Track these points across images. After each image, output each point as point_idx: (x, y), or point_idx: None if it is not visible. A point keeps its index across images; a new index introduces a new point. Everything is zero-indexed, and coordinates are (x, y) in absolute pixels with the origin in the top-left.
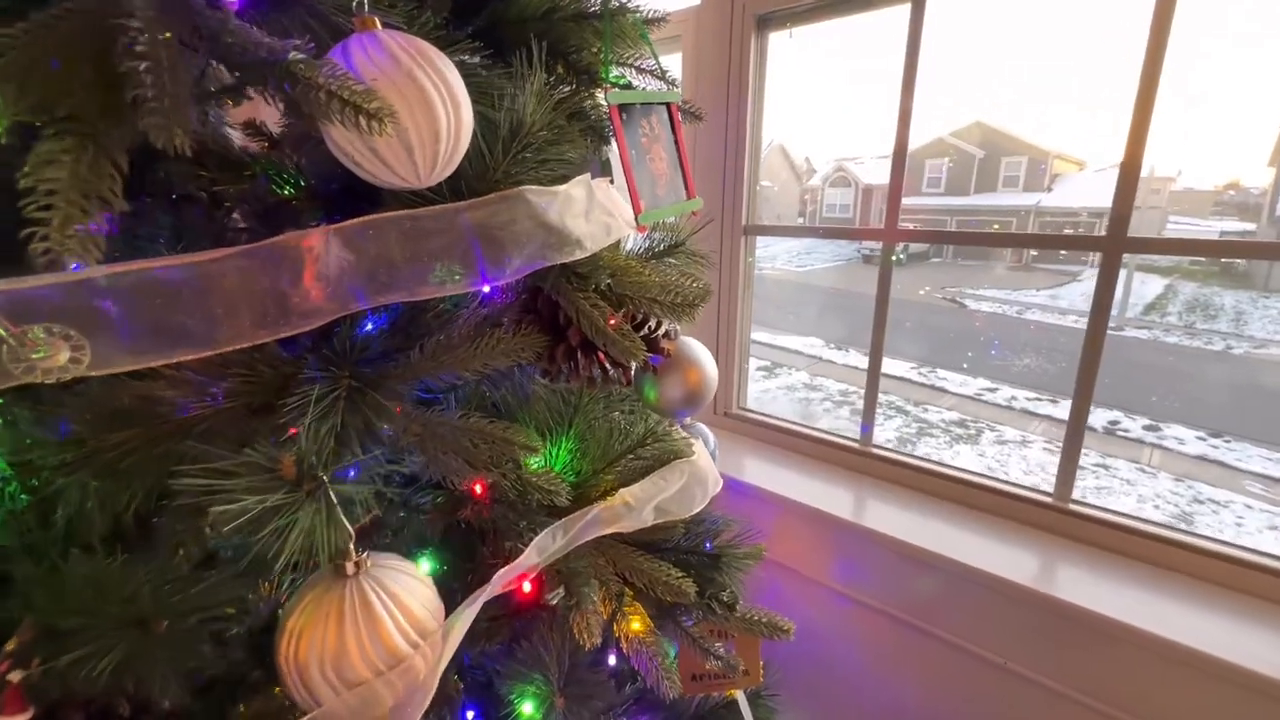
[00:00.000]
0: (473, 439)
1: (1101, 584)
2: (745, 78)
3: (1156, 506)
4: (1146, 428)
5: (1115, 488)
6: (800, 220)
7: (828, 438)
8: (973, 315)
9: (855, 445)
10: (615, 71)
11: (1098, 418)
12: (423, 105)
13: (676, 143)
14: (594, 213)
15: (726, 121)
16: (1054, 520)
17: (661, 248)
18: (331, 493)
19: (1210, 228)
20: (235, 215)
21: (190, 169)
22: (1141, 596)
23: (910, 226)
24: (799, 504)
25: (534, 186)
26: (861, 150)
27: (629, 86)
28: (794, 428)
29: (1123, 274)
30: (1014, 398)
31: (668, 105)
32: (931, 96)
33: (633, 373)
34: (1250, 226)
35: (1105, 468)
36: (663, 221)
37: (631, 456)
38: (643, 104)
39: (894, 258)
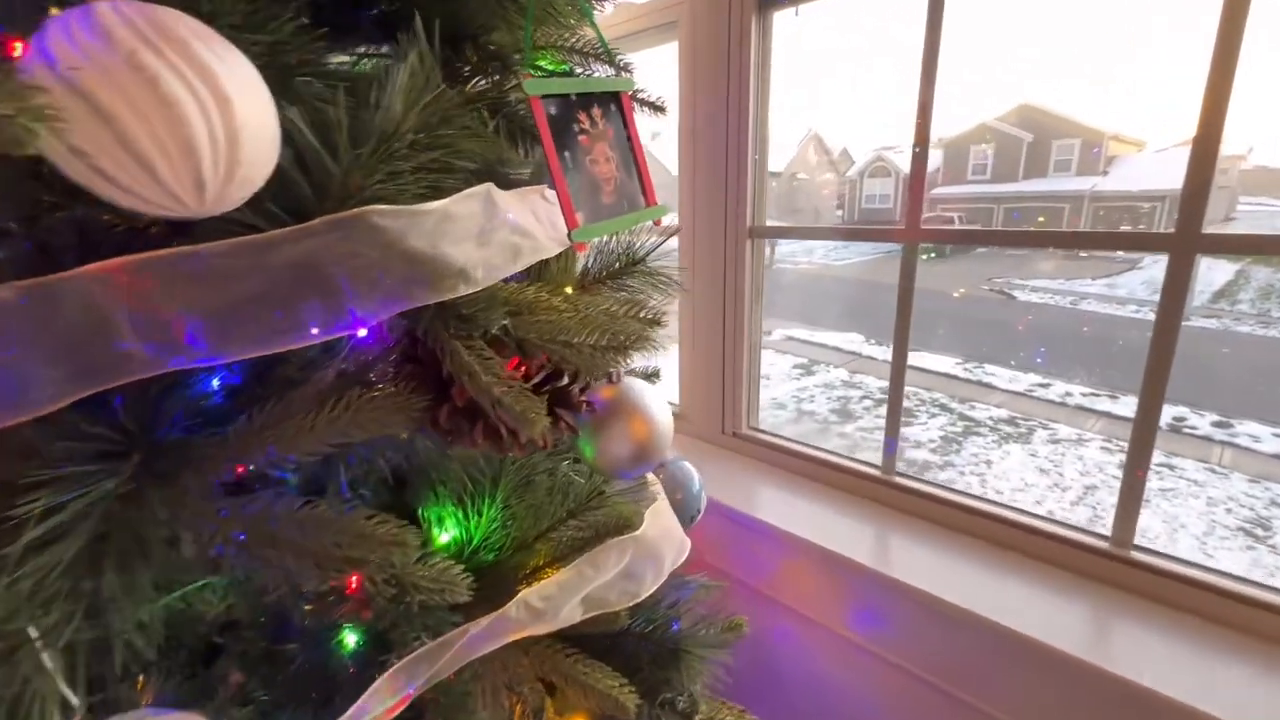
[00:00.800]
0: (326, 538)
1: (1169, 654)
2: (745, 62)
3: (1229, 510)
4: (1216, 424)
5: (1182, 489)
6: (839, 214)
7: (846, 464)
8: (1023, 307)
9: (877, 474)
10: (562, 59)
11: (1163, 414)
12: (155, 104)
13: (630, 140)
14: (495, 233)
15: (727, 112)
16: (1111, 570)
17: (618, 266)
18: (46, 656)
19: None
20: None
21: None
22: (1225, 675)
23: (954, 217)
24: (811, 544)
25: (383, 207)
26: (901, 139)
27: (571, 74)
28: (809, 452)
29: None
30: (1068, 393)
31: (617, 95)
32: (973, 79)
33: (573, 423)
34: None
35: (1170, 468)
36: (622, 234)
37: (574, 523)
38: (579, 94)
39: (927, 255)
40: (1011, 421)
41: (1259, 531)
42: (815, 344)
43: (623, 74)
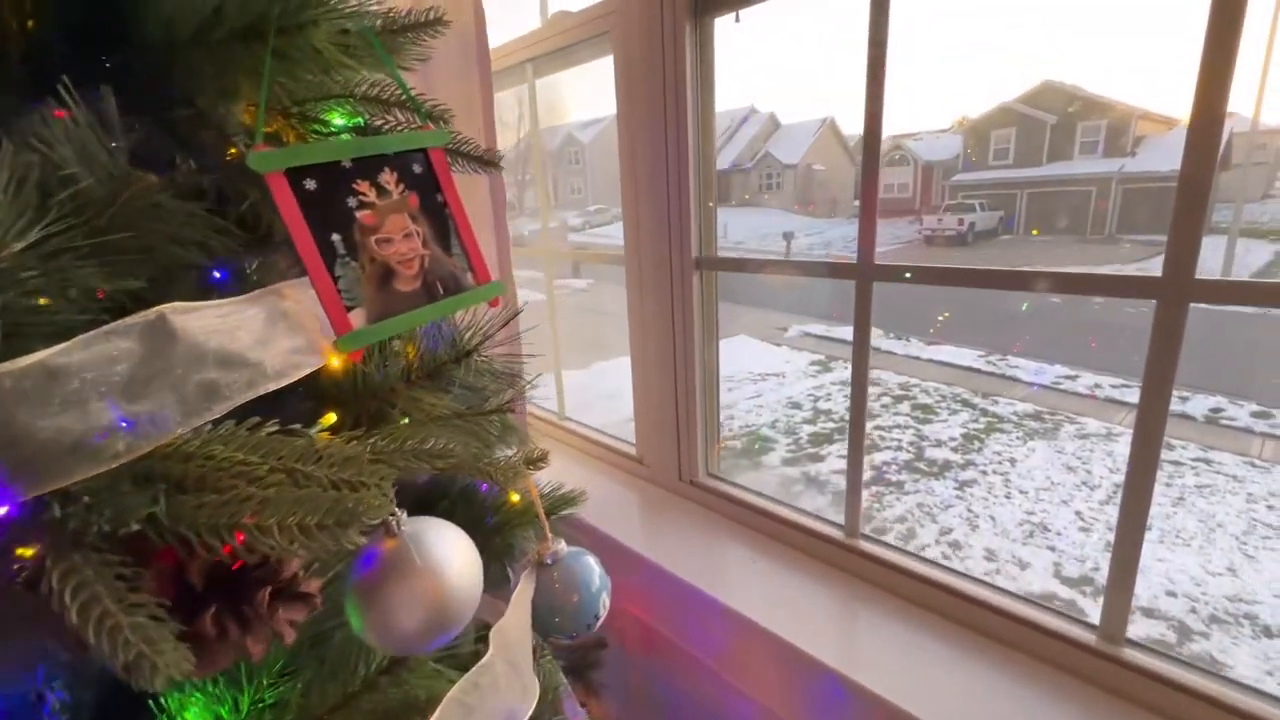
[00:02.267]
0: None
1: None
2: (682, 75)
3: (1270, 507)
4: (1255, 415)
5: (1219, 485)
6: (856, 204)
7: (807, 524)
8: (1048, 296)
9: (840, 537)
10: (357, 111)
11: (1197, 405)
12: None
13: (447, 206)
14: (163, 375)
15: (665, 132)
16: (1099, 671)
17: (444, 359)
18: None
19: None
20: None
21: None
22: None
23: (975, 205)
24: (763, 631)
25: None
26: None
27: (365, 130)
28: (769, 508)
29: (1224, 240)
30: (1097, 385)
31: (425, 153)
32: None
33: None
34: None
35: (1207, 462)
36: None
37: (371, 695)
38: (354, 160)
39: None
40: (1037, 416)
41: None
42: (833, 339)
43: (440, 125)
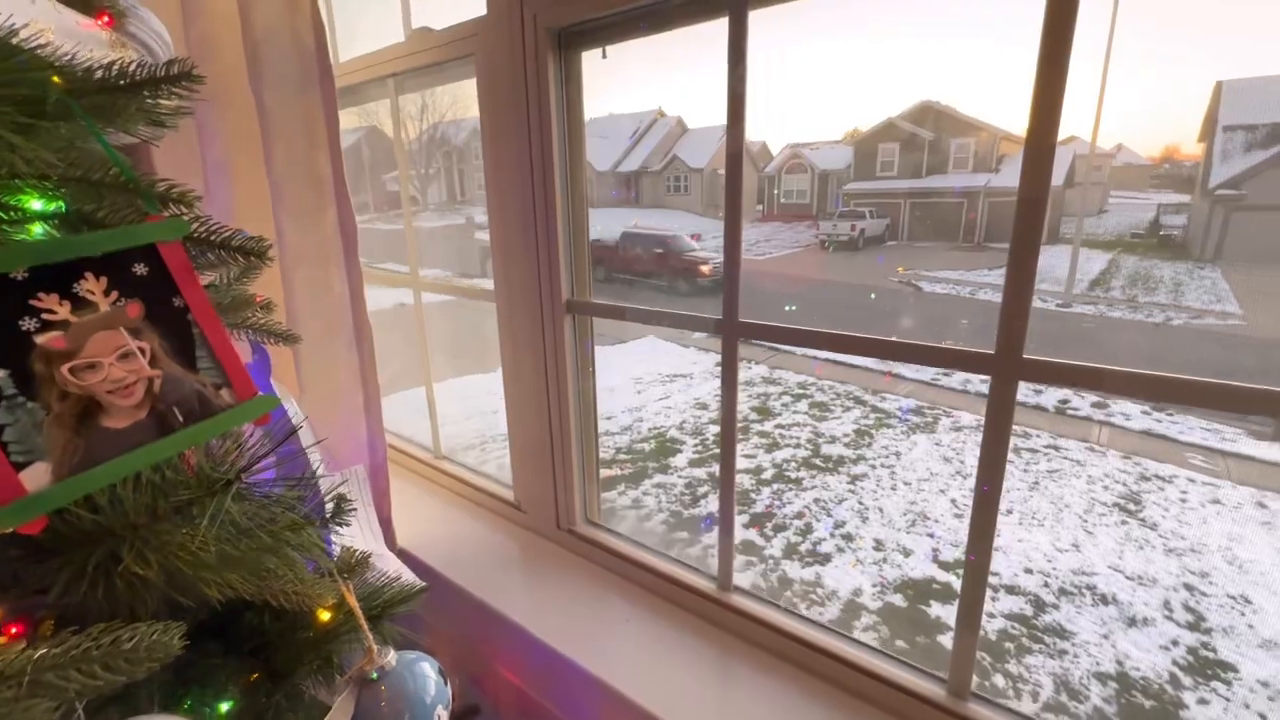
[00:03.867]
0: None
1: None
2: (547, 111)
3: (1106, 487)
4: (1095, 405)
5: (1066, 470)
6: (759, 208)
7: (682, 578)
8: (929, 298)
9: (712, 591)
10: (56, 193)
11: (1048, 397)
12: None
13: (189, 309)
14: None
15: (531, 169)
16: None
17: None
18: None
19: (1149, 200)
20: None
21: None
22: None
23: (865, 211)
24: (631, 703)
25: None
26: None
27: (68, 219)
28: (643, 559)
29: (1068, 250)
30: (968, 380)
31: (154, 249)
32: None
33: None
34: (1185, 199)
35: (1056, 449)
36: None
37: None
38: (31, 270)
39: (830, 247)
40: (918, 411)
41: (1131, 506)
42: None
43: (175, 214)
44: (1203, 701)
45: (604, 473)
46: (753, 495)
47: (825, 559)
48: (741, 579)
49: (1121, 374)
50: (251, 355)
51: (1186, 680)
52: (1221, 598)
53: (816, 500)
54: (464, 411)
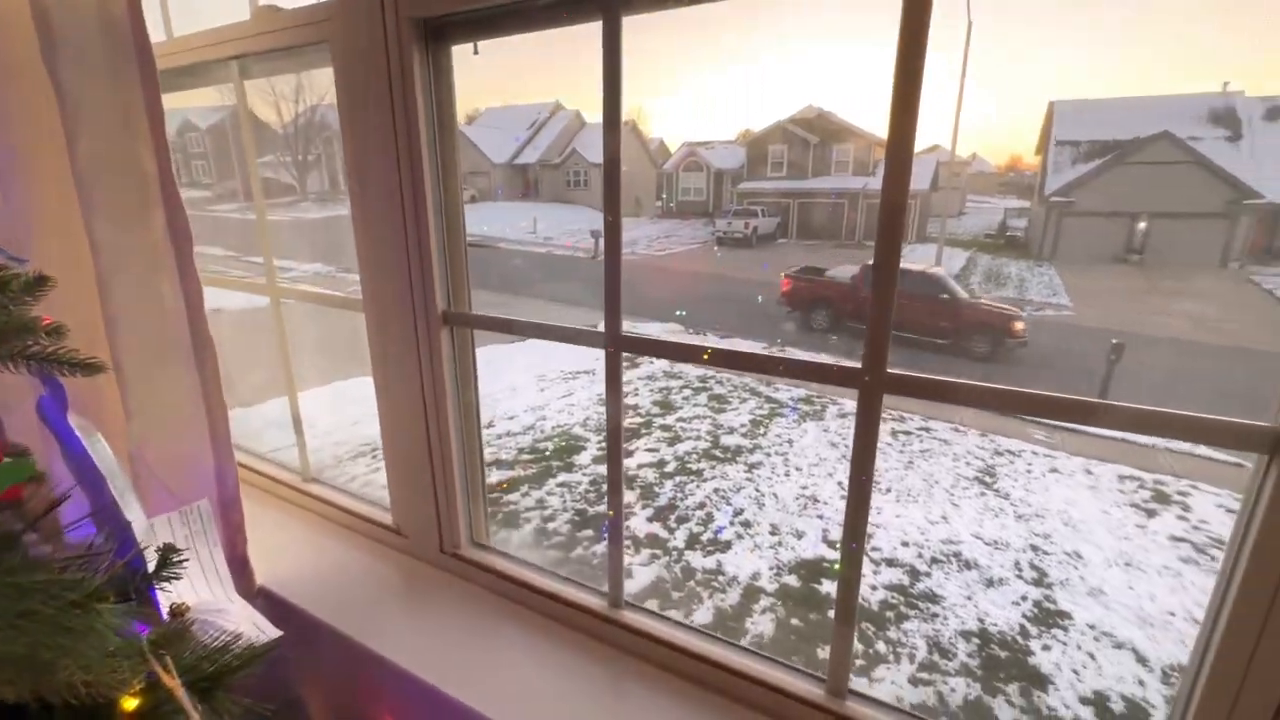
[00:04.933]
0: None
1: None
2: (413, 108)
3: (968, 463)
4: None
5: (935, 449)
6: (658, 204)
7: (572, 597)
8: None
9: (603, 610)
10: None
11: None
12: None
13: None
14: None
15: (399, 167)
16: None
17: None
18: None
19: (997, 205)
20: None
21: None
22: None
23: (757, 210)
24: None
25: None
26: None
27: None
28: (532, 580)
29: (934, 248)
30: None
31: None
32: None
33: None
34: (1026, 204)
35: (927, 430)
36: None
37: None
38: None
39: (723, 248)
40: (808, 400)
41: (987, 479)
42: (634, 335)
43: None
44: (1046, 648)
45: (507, 475)
46: (656, 489)
47: (726, 546)
48: (647, 573)
49: (973, 388)
50: (43, 389)
51: (1033, 630)
52: (1059, 555)
53: (717, 490)
54: (354, 416)
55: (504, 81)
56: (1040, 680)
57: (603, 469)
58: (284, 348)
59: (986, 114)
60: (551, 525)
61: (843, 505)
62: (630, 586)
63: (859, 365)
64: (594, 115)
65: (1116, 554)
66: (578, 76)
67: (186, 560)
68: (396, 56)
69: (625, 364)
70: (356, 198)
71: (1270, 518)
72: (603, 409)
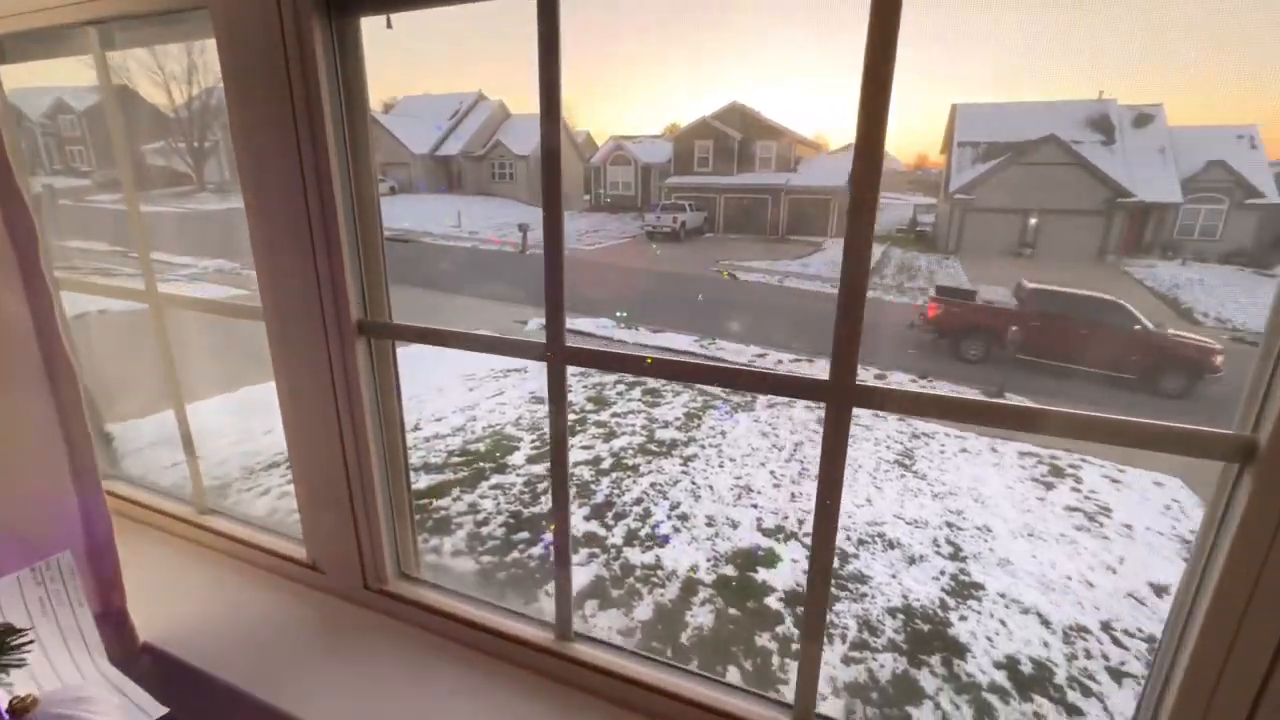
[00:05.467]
0: None
1: None
2: (316, 83)
3: (888, 447)
4: (877, 376)
5: (858, 435)
6: (586, 198)
7: (516, 631)
8: (743, 286)
9: (550, 643)
10: None
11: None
12: None
13: None
14: None
15: (300, 157)
16: None
17: None
18: None
19: (907, 201)
20: None
21: None
22: None
23: (685, 204)
24: None
25: None
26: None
27: None
28: (471, 615)
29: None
30: (780, 361)
31: None
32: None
33: None
34: (933, 201)
35: (853, 416)
36: None
37: None
38: None
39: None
40: (740, 392)
41: (906, 461)
42: (572, 331)
43: None
44: (963, 618)
45: (437, 478)
46: (593, 486)
47: (664, 541)
48: (585, 573)
49: (945, 399)
50: None
51: (951, 603)
52: (971, 530)
53: (653, 485)
54: (267, 424)
55: (422, 70)
56: (959, 649)
57: (537, 469)
58: (168, 358)
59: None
60: (485, 530)
61: (775, 494)
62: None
63: (825, 378)
64: (518, 106)
65: (1020, 526)
66: (498, 64)
67: (29, 641)
68: (293, 27)
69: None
70: (250, 192)
71: (1247, 530)
72: (536, 407)
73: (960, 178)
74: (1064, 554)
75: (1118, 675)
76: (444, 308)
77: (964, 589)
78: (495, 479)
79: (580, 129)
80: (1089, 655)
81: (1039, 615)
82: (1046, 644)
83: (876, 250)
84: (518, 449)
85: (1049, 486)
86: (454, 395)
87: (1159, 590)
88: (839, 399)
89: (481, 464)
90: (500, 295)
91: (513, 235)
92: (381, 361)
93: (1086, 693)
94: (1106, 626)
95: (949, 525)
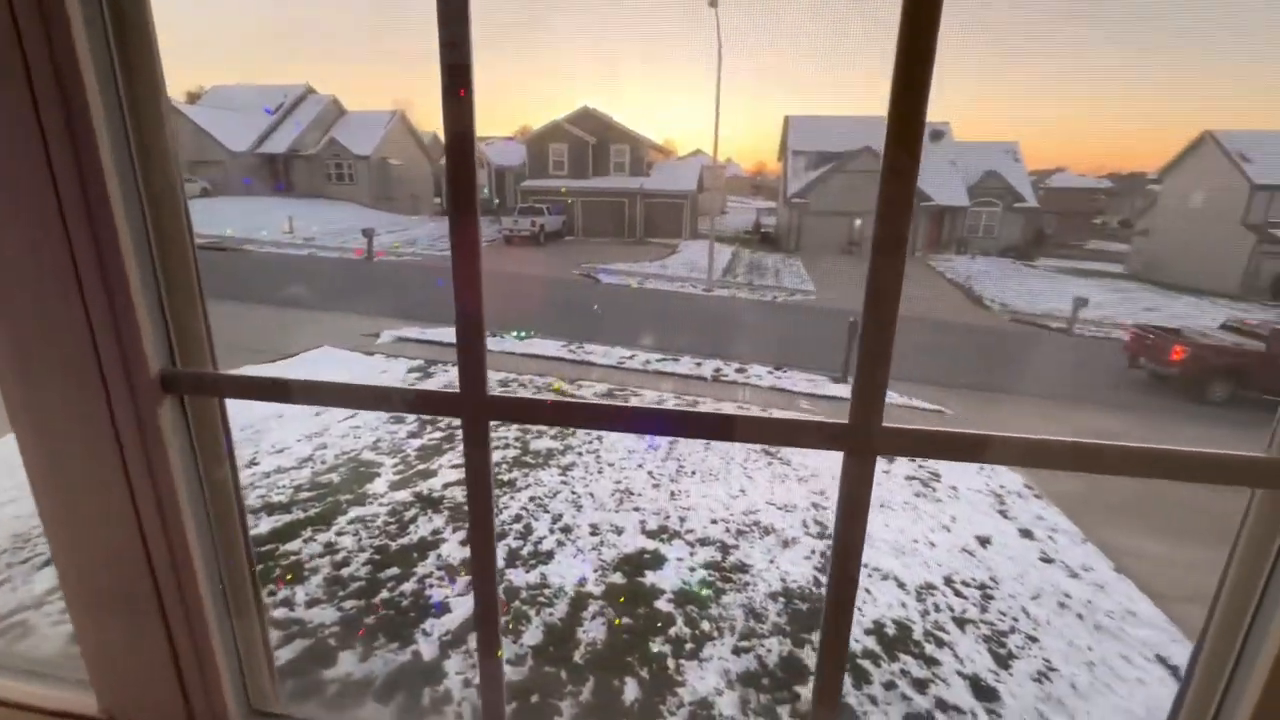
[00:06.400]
0: None
1: None
2: (69, 53)
3: None
4: (738, 370)
5: None
6: (438, 201)
7: None
8: (606, 288)
9: None
10: None
11: (706, 369)
12: None
13: None
14: None
15: (49, 150)
16: None
17: None
18: None
19: (751, 205)
20: None
21: None
22: None
23: (543, 208)
24: None
25: None
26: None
27: None
28: None
29: (706, 244)
30: (648, 361)
31: None
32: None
33: None
34: (774, 205)
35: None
36: None
37: None
38: None
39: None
40: (610, 395)
41: (771, 449)
42: (429, 342)
43: None
44: None
45: (283, 519)
46: (466, 508)
47: (548, 557)
48: (467, 602)
49: (974, 438)
50: None
51: (824, 579)
52: (834, 508)
53: (533, 499)
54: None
55: (237, 58)
56: None
57: (402, 495)
58: None
59: (734, 123)
60: (347, 570)
61: (655, 494)
62: (449, 620)
63: (845, 421)
64: (353, 103)
65: (874, 497)
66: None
67: None
68: None
69: (418, 375)
70: None
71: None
72: (396, 427)
73: (795, 183)
74: (909, 519)
75: (961, 623)
76: (280, 324)
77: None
78: (355, 511)
79: (427, 130)
80: (938, 609)
81: (896, 579)
82: (904, 604)
83: (727, 251)
84: (378, 475)
85: (891, 459)
86: (297, 421)
87: (983, 541)
88: (862, 447)
89: (337, 496)
90: (346, 307)
91: (355, 241)
92: (202, 423)
93: (940, 644)
94: (949, 580)
95: (815, 506)
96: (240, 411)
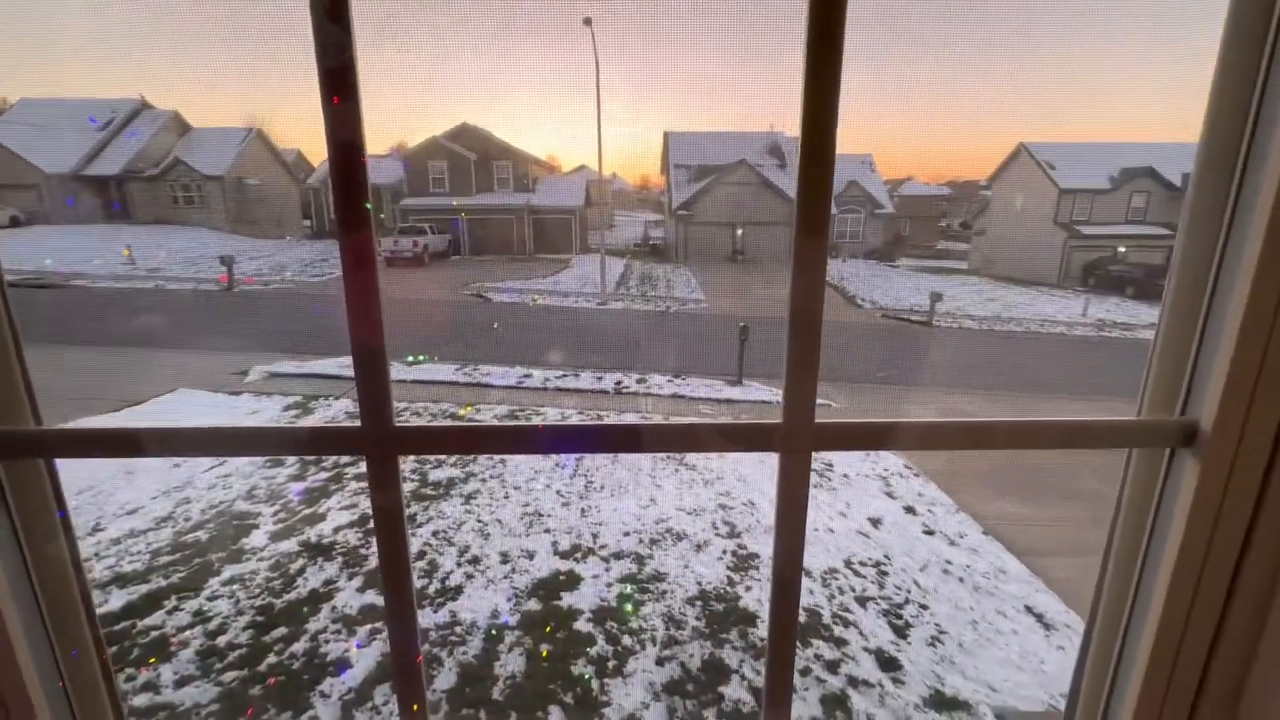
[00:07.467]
0: None
1: None
2: None
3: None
4: (639, 381)
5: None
6: (307, 224)
7: None
8: (498, 307)
9: None
10: None
11: (607, 382)
12: None
13: None
14: None
15: None
16: None
17: None
18: None
19: (638, 218)
20: None
21: None
22: None
23: (425, 227)
24: None
25: None
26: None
27: None
28: None
29: (597, 258)
30: (547, 379)
31: None
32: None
33: None
34: (661, 217)
35: (619, 415)
36: None
37: None
38: None
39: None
40: (512, 416)
41: (676, 456)
42: (306, 375)
43: None
44: (748, 589)
45: (139, 590)
46: (363, 550)
47: (457, 592)
48: (370, 654)
49: (908, 426)
50: None
51: (736, 578)
52: (739, 507)
53: (436, 533)
54: None
55: (48, 68)
56: (750, 619)
57: (284, 545)
58: None
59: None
60: (224, 639)
61: (565, 513)
62: (351, 677)
63: (776, 422)
64: (197, 118)
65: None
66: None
67: None
68: None
69: (296, 411)
70: None
71: (1198, 510)
72: (273, 471)
73: (679, 196)
74: (810, 508)
75: (863, 601)
76: (125, 366)
77: (743, 562)
78: (230, 570)
79: (289, 147)
80: (841, 591)
81: (804, 569)
82: (812, 591)
83: (619, 264)
84: (256, 527)
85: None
86: (151, 476)
87: (875, 522)
88: (797, 445)
89: (206, 556)
90: (207, 344)
91: (210, 270)
92: (26, 490)
93: (846, 624)
94: (848, 563)
95: (722, 507)
96: (78, 472)
